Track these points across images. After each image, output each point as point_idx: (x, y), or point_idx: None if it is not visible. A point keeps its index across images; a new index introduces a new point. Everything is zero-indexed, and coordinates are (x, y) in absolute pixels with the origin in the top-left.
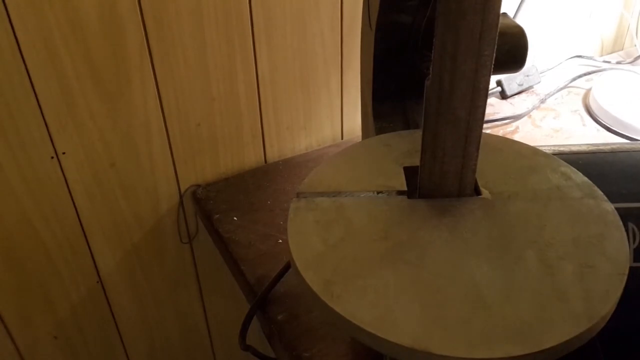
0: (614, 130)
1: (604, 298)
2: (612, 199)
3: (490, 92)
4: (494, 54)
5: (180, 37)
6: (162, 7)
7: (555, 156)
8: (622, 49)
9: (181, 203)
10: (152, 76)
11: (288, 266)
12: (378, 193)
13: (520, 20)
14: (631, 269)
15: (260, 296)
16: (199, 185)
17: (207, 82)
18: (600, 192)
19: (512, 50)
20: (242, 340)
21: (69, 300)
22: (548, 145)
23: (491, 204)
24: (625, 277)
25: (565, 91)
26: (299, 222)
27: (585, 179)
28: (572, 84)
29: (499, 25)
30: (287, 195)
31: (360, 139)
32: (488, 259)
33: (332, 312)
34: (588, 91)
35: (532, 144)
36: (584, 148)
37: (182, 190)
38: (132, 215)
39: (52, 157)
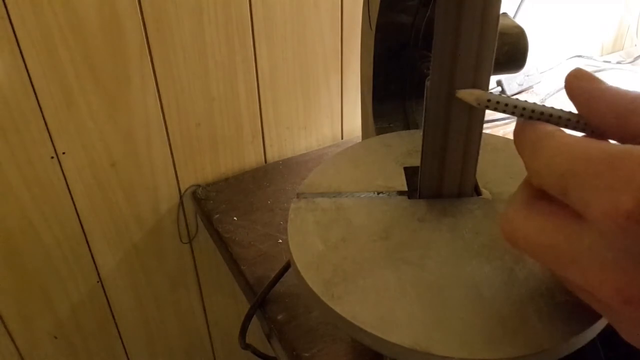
0: None
1: None
2: None
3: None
4: (494, 55)
5: (180, 37)
6: (162, 7)
7: None
8: (623, 49)
9: (181, 203)
10: (152, 76)
11: (288, 266)
12: (378, 193)
13: (520, 20)
14: None
15: (260, 296)
16: (199, 185)
17: (207, 82)
18: None
19: (512, 51)
20: (242, 339)
21: (69, 300)
22: None
23: (491, 204)
24: None
25: None
26: (299, 223)
27: None
28: None
29: (499, 26)
30: (287, 195)
31: (360, 139)
32: (489, 259)
33: (333, 313)
34: None
35: None
36: None
37: (182, 190)
38: (132, 215)
39: (52, 157)
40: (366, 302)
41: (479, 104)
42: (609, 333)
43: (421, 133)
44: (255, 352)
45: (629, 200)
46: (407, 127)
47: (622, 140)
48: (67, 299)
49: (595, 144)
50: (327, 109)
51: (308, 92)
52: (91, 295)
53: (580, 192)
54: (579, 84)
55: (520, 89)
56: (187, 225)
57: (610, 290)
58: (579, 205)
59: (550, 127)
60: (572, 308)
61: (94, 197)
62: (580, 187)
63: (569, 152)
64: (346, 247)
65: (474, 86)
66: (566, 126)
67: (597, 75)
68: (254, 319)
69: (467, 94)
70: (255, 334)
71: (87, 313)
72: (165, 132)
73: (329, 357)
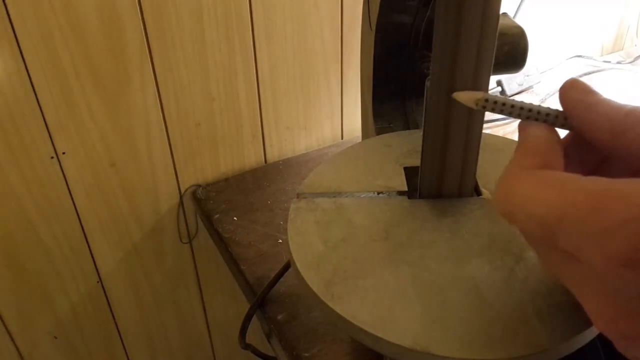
0: None
1: None
2: None
3: (490, 92)
4: (494, 55)
5: (180, 37)
6: (162, 7)
7: None
8: (623, 49)
9: (181, 203)
10: (152, 76)
11: (288, 266)
12: (378, 193)
13: (520, 20)
14: None
15: (260, 296)
16: (199, 185)
17: (207, 82)
18: None
19: (512, 51)
20: (242, 339)
21: (69, 300)
22: None
23: (491, 204)
24: None
25: None
26: (299, 223)
27: None
28: None
29: (499, 26)
30: (287, 195)
31: (360, 139)
32: (488, 259)
33: (333, 313)
34: None
35: None
36: None
37: (182, 190)
38: (132, 215)
39: (52, 157)
40: (366, 302)
41: (476, 106)
42: None
43: (421, 133)
44: (255, 352)
45: (620, 246)
46: (407, 127)
47: (613, 153)
48: (67, 299)
49: (571, 183)
50: (327, 109)
51: (308, 92)
52: (91, 295)
53: (568, 237)
54: (573, 95)
55: (520, 89)
56: (187, 225)
57: (606, 324)
58: (570, 248)
59: (518, 168)
60: (572, 308)
61: (94, 197)
62: (568, 232)
63: (545, 194)
64: (346, 247)
65: (474, 86)
66: (562, 126)
67: (597, 75)
68: (254, 319)
69: (464, 96)
70: (255, 334)
71: (87, 313)
72: (165, 132)
73: (329, 357)
